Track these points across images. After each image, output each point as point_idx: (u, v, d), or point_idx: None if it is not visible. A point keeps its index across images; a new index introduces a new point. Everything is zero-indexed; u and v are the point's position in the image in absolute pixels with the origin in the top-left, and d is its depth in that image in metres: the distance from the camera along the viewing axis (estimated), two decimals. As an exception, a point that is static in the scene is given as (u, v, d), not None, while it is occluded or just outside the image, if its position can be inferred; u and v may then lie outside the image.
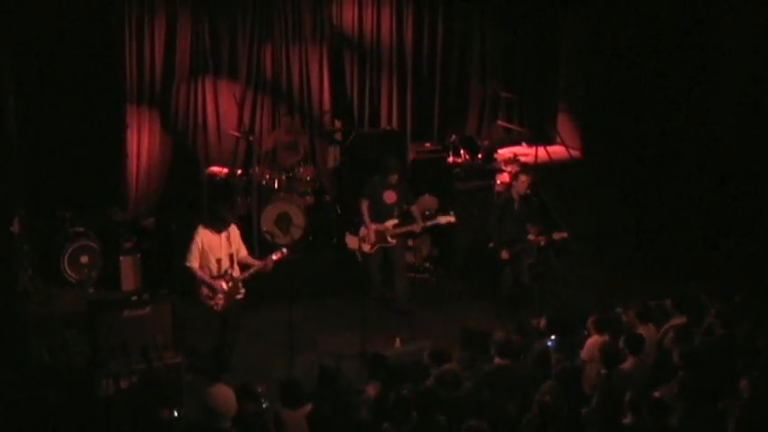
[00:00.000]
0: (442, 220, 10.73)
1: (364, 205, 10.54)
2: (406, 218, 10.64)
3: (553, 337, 8.26)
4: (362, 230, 10.58)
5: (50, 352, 9.29)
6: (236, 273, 8.98)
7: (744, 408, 7.03)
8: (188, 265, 8.86)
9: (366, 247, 10.55)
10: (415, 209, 10.75)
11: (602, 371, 7.69)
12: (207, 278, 8.86)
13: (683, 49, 12.72)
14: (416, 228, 10.60)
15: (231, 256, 8.95)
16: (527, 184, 10.34)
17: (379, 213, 10.52)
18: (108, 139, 11.86)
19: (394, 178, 10.48)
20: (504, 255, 10.24)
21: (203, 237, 8.87)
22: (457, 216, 10.91)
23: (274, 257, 9.05)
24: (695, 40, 12.62)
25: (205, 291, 8.91)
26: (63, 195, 11.42)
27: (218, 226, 8.91)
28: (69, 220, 11.05)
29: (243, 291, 9.03)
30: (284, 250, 9.16)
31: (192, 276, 8.91)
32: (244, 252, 9.12)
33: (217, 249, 8.90)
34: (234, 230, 9.04)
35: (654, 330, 8.45)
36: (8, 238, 9.41)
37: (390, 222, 10.50)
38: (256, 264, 9.09)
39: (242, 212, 11.47)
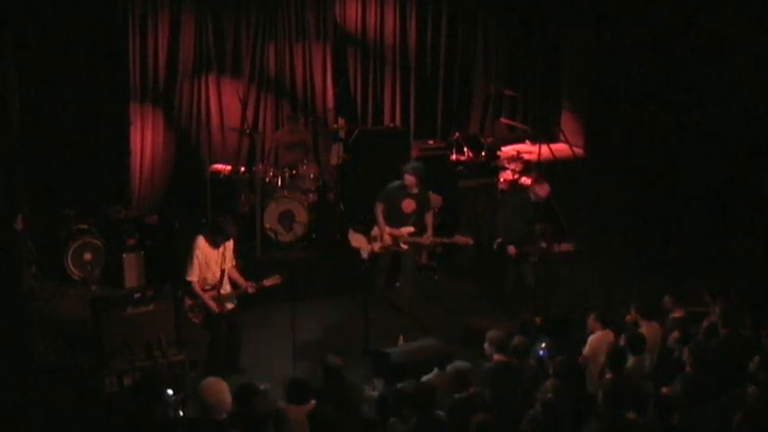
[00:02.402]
0: (460, 241, 10.57)
1: (379, 208, 10.34)
2: (421, 227, 10.45)
3: (543, 345, 8.17)
4: (375, 230, 10.39)
5: (54, 349, 9.31)
6: (225, 289, 8.76)
7: (750, 405, 7.02)
8: (188, 279, 8.61)
9: (376, 246, 10.40)
10: (429, 216, 10.52)
11: (608, 375, 7.68)
12: (202, 294, 8.63)
13: (687, 47, 12.69)
14: (425, 240, 10.40)
15: (223, 272, 8.75)
16: (548, 191, 10.31)
17: (396, 220, 10.34)
18: (111, 136, 11.88)
19: (413, 185, 10.25)
20: (512, 250, 10.22)
21: (202, 249, 8.65)
22: (474, 238, 10.75)
23: (266, 283, 8.81)
24: (699, 38, 12.59)
25: (189, 302, 8.69)
26: (66, 193, 11.44)
27: (218, 240, 8.66)
28: (73, 218, 11.05)
29: (232, 304, 8.85)
30: (278, 278, 8.84)
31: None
32: (233, 264, 8.89)
33: (213, 263, 8.69)
34: (229, 243, 8.78)
35: (657, 328, 8.45)
36: (12, 235, 9.43)
37: (406, 230, 10.37)
38: (242, 285, 8.83)
39: (245, 210, 11.48)
